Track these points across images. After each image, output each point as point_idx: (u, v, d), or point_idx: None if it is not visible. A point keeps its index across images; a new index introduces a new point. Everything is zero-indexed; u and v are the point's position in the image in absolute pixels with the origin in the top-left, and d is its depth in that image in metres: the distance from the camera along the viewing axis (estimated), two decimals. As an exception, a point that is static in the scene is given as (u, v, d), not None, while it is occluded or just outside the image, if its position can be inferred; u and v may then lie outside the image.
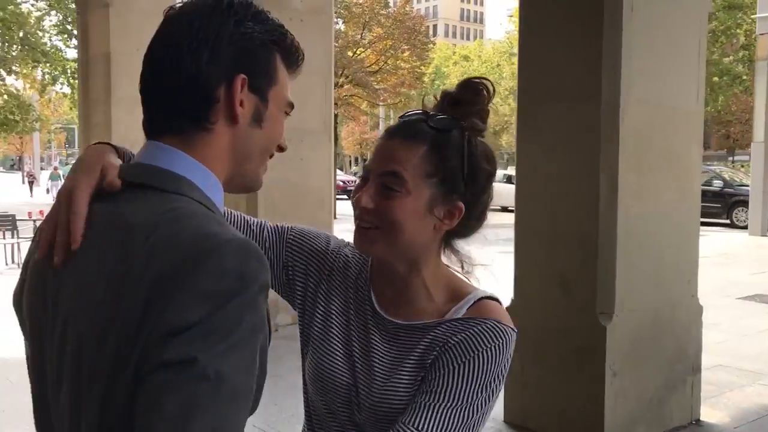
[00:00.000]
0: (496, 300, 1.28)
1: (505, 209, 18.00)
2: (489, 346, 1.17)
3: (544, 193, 4.43)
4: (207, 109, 1.03)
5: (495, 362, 1.17)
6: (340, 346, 1.31)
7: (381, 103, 27.95)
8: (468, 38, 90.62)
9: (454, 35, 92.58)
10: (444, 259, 1.32)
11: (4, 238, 12.36)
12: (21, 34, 29.79)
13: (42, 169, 48.41)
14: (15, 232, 12.20)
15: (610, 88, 4.07)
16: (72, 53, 28.48)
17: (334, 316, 1.33)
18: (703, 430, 4.62)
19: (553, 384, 4.36)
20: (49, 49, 30.83)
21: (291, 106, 1.14)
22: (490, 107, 1.29)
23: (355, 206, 1.25)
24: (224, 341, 0.86)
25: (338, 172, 33.55)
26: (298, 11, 6.87)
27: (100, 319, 0.91)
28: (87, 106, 9.38)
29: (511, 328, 1.21)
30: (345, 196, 32.80)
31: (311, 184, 7.09)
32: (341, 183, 32.63)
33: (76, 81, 13.85)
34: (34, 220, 12.14)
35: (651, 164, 4.27)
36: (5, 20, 28.53)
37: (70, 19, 27.46)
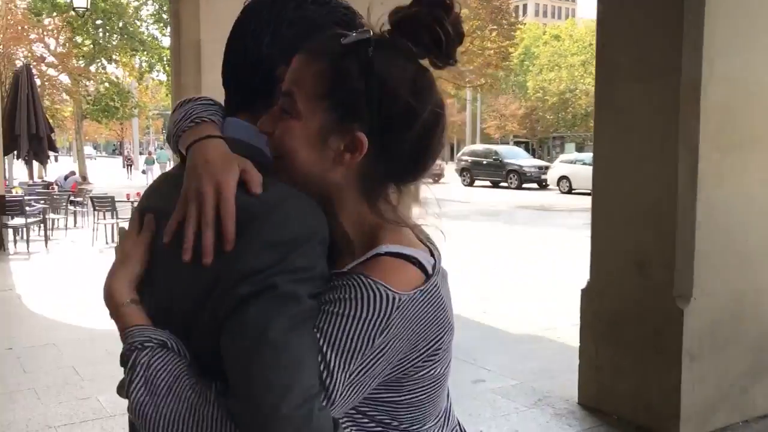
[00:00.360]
0: (409, 259, 1.04)
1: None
2: (344, 300, 0.97)
3: (622, 173, 4.35)
4: (271, 88, 1.13)
5: (349, 319, 0.96)
6: None
7: (467, 85, 27.68)
8: (559, 17, 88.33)
9: (545, 14, 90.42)
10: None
11: (104, 218, 13.06)
12: (120, 24, 31.17)
13: (141, 153, 50.55)
14: (114, 212, 12.87)
15: (691, 64, 3.93)
16: (168, 41, 29.59)
17: None
18: (789, 420, 4.45)
19: (628, 367, 4.30)
20: (146, 37, 32.17)
21: None
22: (452, 27, 1.04)
23: None
24: (291, 278, 0.96)
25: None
26: (378, -6, 6.92)
27: (187, 276, 1.03)
28: (179, 92, 9.75)
29: (389, 289, 0.98)
30: (429, 180, 32.91)
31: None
32: (426, 166, 32.65)
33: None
34: (132, 202, 12.76)
35: (735, 143, 4.11)
36: (106, 11, 29.91)
37: (165, 8, 28.48)
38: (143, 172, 36.26)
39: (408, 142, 1.04)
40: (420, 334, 1.02)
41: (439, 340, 1.05)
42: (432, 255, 1.09)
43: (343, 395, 0.96)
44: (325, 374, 0.95)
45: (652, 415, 4.17)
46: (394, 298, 0.98)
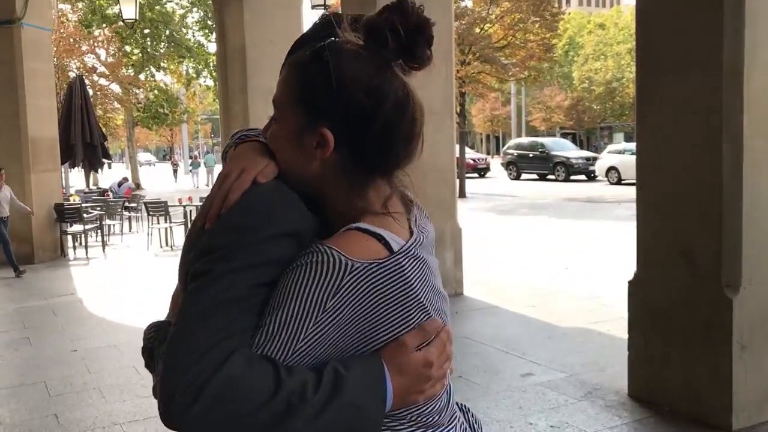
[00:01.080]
0: (374, 235, 1.11)
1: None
2: (299, 266, 1.05)
3: (666, 163, 4.33)
4: None
5: (301, 282, 1.04)
6: None
7: (510, 78, 27.45)
8: (604, 5, 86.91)
9: (589, 3, 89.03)
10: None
11: (158, 223, 13.41)
12: (167, 32, 31.80)
13: (190, 157, 51.60)
14: (167, 217, 13.20)
15: (733, 53, 3.90)
16: (213, 48, 30.09)
17: None
18: None
19: (677, 358, 4.29)
20: (192, 44, 32.73)
21: None
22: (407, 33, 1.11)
23: None
24: (240, 263, 1.04)
25: (469, 150, 33.42)
26: (417, -7, 6.97)
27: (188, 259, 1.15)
28: (226, 96, 9.98)
29: (342, 254, 1.05)
30: (475, 175, 32.85)
31: (435, 163, 7.21)
32: (471, 161, 32.54)
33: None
34: (184, 206, 13.07)
35: (780, 130, 4.07)
36: (153, 20, 30.56)
37: (210, 15, 28.98)
38: (190, 171, 37.28)
39: (372, 136, 1.14)
40: (380, 309, 1.07)
41: (407, 320, 1.10)
42: (409, 239, 1.15)
43: (296, 354, 1.04)
44: (266, 338, 1.03)
45: (703, 406, 4.16)
46: (347, 264, 1.05)
